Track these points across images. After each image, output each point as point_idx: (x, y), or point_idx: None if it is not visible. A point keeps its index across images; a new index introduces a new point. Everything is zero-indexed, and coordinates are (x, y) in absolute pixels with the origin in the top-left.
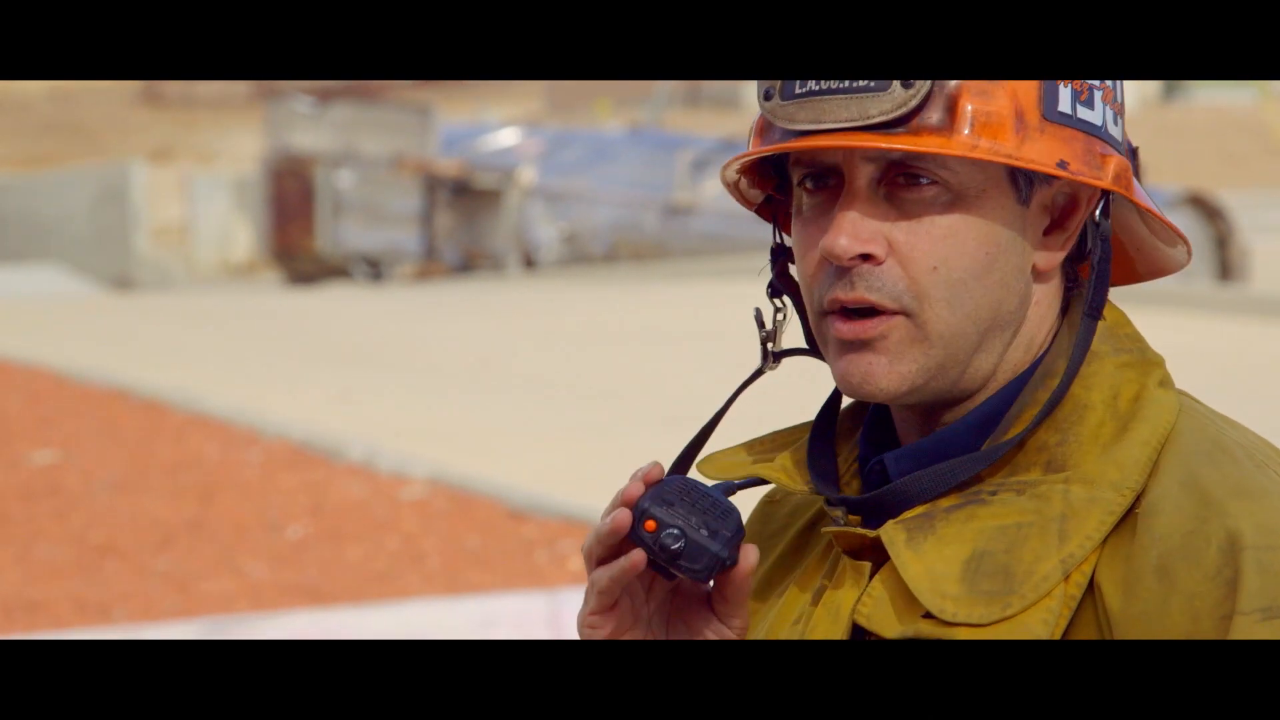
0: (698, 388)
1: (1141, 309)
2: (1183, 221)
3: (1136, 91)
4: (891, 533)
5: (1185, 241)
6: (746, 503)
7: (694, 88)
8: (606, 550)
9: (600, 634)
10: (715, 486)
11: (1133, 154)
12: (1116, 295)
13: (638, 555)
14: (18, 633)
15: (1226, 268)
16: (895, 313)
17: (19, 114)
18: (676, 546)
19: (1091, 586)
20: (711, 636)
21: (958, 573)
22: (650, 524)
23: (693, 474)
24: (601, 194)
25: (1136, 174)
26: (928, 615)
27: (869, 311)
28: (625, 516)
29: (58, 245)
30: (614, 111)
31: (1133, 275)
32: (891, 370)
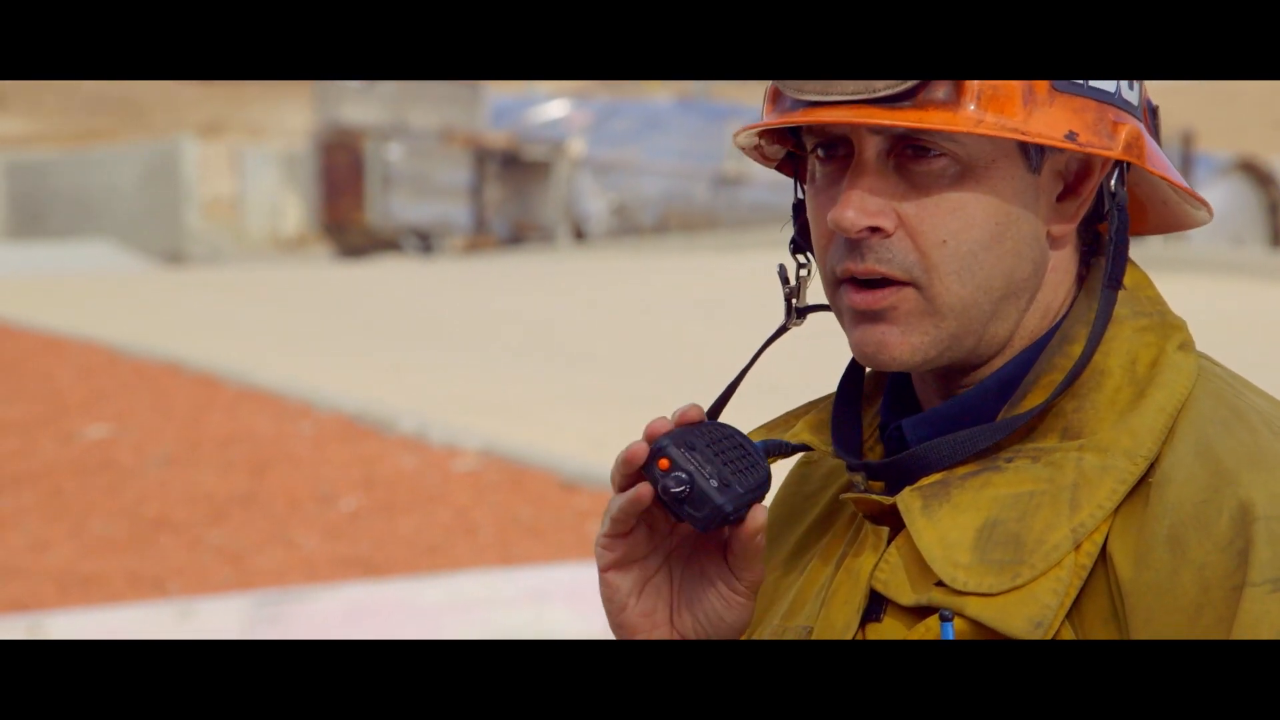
0: (749, 357)
1: (1192, 275)
2: (1234, 188)
3: None
4: (908, 500)
5: (1205, 205)
6: (783, 467)
7: None
8: (625, 480)
9: (611, 556)
10: (762, 444)
11: (1152, 113)
12: (1152, 254)
13: (644, 489)
14: (73, 606)
15: (1278, 234)
16: (906, 284)
17: (69, 90)
18: (679, 490)
19: (1103, 555)
20: (721, 586)
21: (970, 541)
22: (664, 462)
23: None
24: (651, 165)
25: (1156, 134)
26: (941, 583)
27: (881, 282)
28: (641, 448)
29: (109, 221)
30: (663, 83)
31: (1154, 228)
32: (904, 341)
